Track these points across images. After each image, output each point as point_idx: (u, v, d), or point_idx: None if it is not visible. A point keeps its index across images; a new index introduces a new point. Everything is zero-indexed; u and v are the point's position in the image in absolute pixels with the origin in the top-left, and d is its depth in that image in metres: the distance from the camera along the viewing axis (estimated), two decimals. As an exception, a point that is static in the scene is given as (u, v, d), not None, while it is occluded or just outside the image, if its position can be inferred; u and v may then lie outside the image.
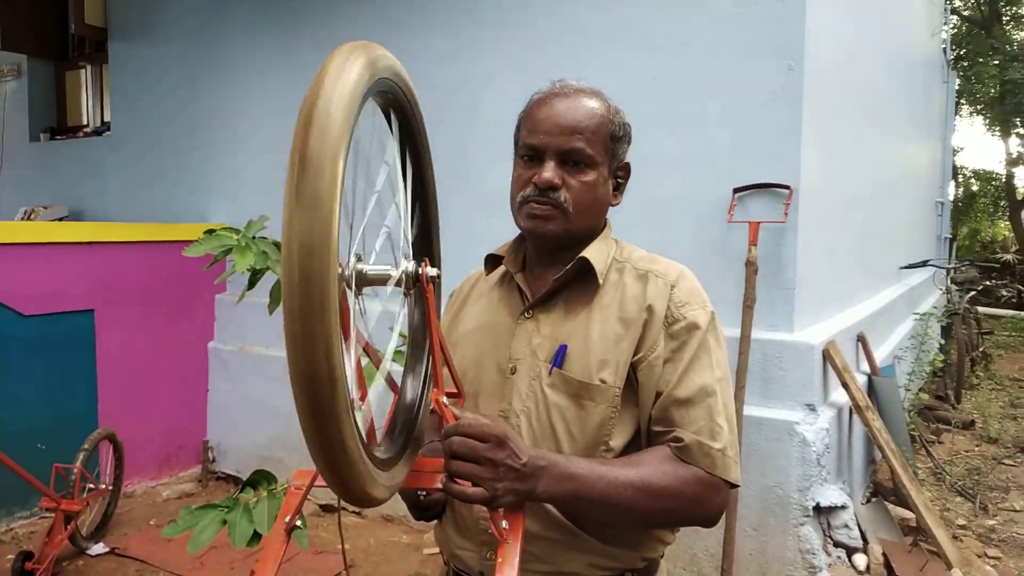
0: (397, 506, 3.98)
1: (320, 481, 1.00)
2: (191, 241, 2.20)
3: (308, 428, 0.76)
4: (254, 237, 2.29)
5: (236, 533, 1.82)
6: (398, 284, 0.96)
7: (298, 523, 1.02)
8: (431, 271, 1.00)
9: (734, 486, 1.14)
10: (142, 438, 4.25)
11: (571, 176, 1.19)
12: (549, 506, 1.15)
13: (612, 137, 1.22)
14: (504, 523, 1.00)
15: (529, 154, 1.21)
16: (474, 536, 1.22)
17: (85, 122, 6.28)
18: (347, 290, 0.88)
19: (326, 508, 4.07)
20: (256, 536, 1.83)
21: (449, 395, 1.13)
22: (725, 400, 1.16)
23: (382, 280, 0.93)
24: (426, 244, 1.21)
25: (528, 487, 1.01)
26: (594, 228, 1.26)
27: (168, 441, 4.52)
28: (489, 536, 1.18)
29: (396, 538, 3.78)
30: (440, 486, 1.02)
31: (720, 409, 1.15)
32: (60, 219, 5.48)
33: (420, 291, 1.03)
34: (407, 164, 1.08)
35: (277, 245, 2.32)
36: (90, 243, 4.12)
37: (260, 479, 1.97)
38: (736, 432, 1.18)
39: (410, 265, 0.99)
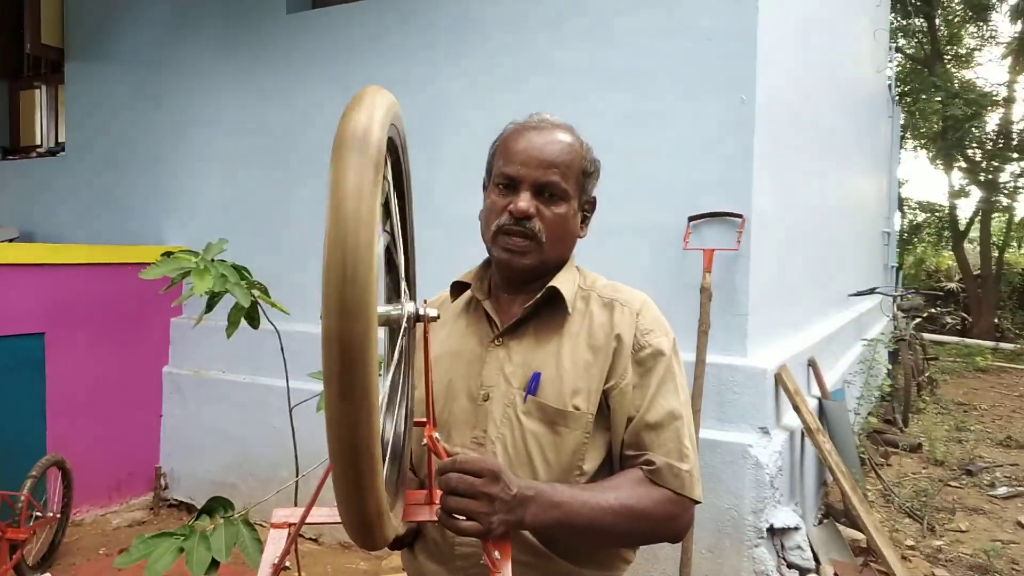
0: (354, 533, 3.95)
1: (311, 518, 1.02)
2: (147, 263, 2.18)
3: (345, 490, 0.77)
4: (212, 260, 2.28)
5: (194, 562, 1.79)
6: (393, 324, 0.98)
7: (287, 564, 1.02)
8: (431, 312, 1.01)
9: (697, 502, 1.20)
10: (92, 464, 4.15)
11: (545, 207, 1.23)
12: (524, 532, 1.17)
13: (584, 172, 1.27)
14: (496, 553, 1.02)
15: (504, 182, 1.24)
16: (449, 563, 1.23)
17: (39, 142, 6.16)
18: None
19: (282, 535, 4.01)
20: (214, 564, 1.80)
21: (417, 423, 1.13)
22: (688, 422, 1.23)
23: (393, 321, 0.95)
24: (408, 282, 1.21)
25: (518, 517, 1.05)
26: (563, 258, 1.30)
27: (119, 467, 4.41)
28: (465, 562, 1.20)
29: (354, 564, 3.73)
30: (435, 519, 1.04)
31: (686, 432, 1.21)
32: (10, 240, 5.35)
33: (408, 330, 1.02)
34: (396, 207, 1.08)
35: (236, 268, 2.31)
36: (41, 265, 4.04)
37: (216, 506, 1.95)
38: (697, 451, 1.24)
39: (411, 306, 1.01)
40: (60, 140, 5.94)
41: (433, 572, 1.25)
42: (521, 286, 1.29)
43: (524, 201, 1.21)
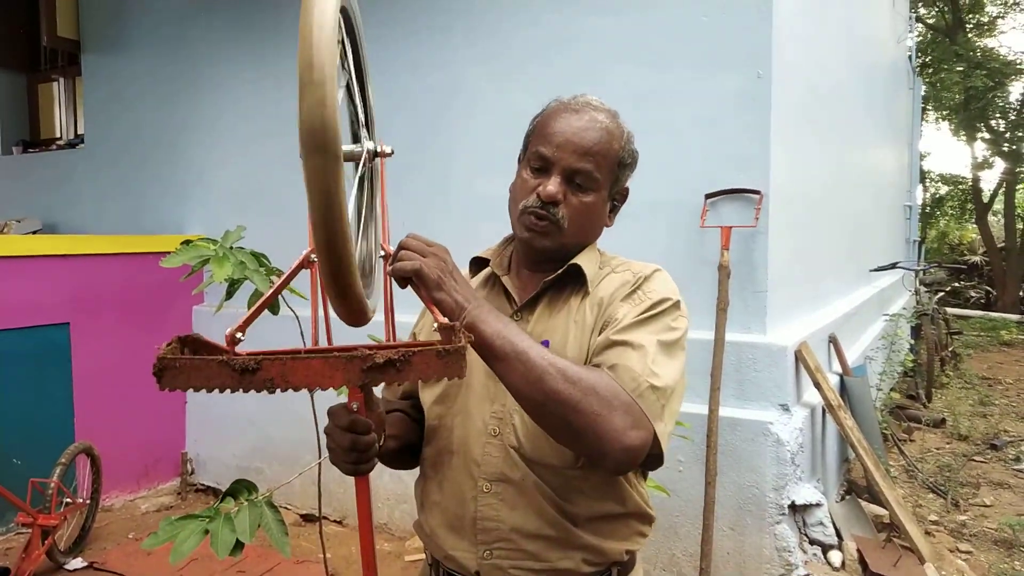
0: (378, 514, 4.00)
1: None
2: (167, 252, 2.21)
3: (326, 252, 0.87)
4: (231, 247, 2.30)
5: (219, 542, 1.82)
6: (357, 158, 1.09)
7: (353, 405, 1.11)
8: (387, 148, 1.13)
9: (657, 452, 1.10)
10: (120, 451, 4.22)
11: (573, 195, 1.22)
12: (545, 504, 1.18)
13: (620, 163, 1.26)
14: (354, 405, 1.08)
15: (538, 163, 1.24)
16: (470, 535, 1.23)
17: (58, 134, 6.23)
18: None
19: (307, 518, 4.07)
20: (239, 545, 1.83)
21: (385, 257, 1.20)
22: (667, 361, 1.14)
23: (356, 156, 1.06)
24: (368, 124, 1.29)
25: (463, 294, 1.06)
26: (585, 242, 1.30)
27: (146, 454, 4.49)
28: (487, 535, 1.21)
29: (378, 546, 3.76)
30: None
31: (665, 363, 1.13)
32: (33, 232, 5.43)
33: (370, 168, 1.17)
34: (351, 55, 1.19)
35: (254, 255, 2.33)
36: (65, 256, 4.10)
37: (240, 489, 1.98)
38: (674, 411, 1.15)
39: (370, 144, 1.11)
40: (79, 132, 6.00)
41: (453, 546, 1.25)
42: (542, 264, 1.29)
43: (553, 186, 1.20)
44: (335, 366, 0.92)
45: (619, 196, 1.33)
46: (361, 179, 1.09)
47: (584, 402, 1.03)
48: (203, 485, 4.62)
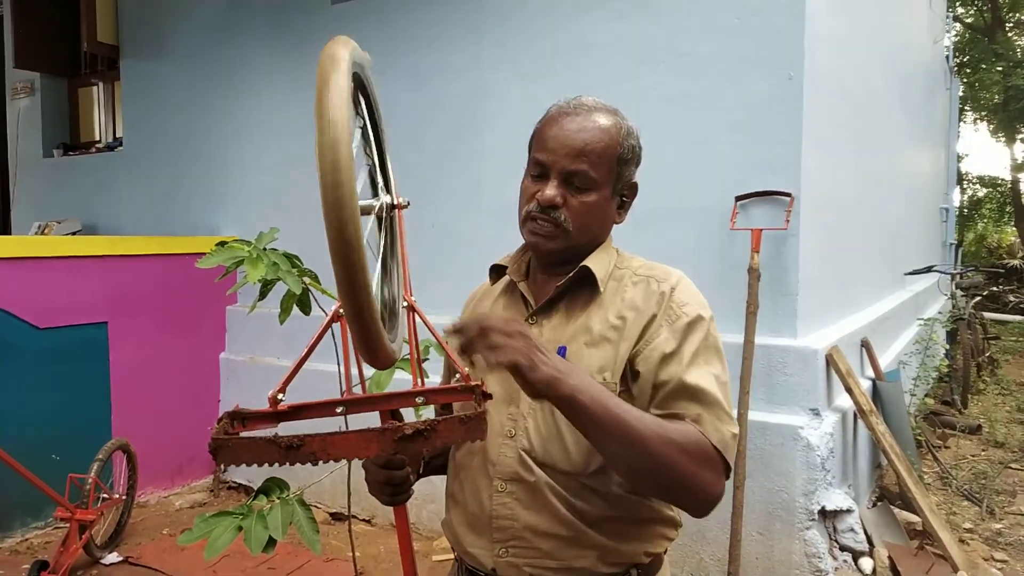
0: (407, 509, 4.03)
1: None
2: (203, 254, 2.25)
3: (348, 299, 0.93)
4: (265, 248, 2.34)
5: (252, 539, 1.85)
6: (378, 212, 1.16)
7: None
8: (402, 200, 1.23)
9: (727, 475, 1.16)
10: (155, 448, 4.31)
11: (573, 196, 1.23)
12: (558, 504, 1.20)
13: (619, 160, 1.26)
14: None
15: (536, 171, 1.26)
16: (487, 533, 1.25)
17: (98, 138, 6.38)
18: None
19: (336, 516, 4.12)
20: (271, 542, 1.87)
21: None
22: (729, 393, 1.20)
23: (370, 210, 1.13)
24: (384, 179, 1.36)
25: (559, 369, 1.01)
26: (595, 242, 1.30)
27: (180, 451, 4.57)
28: (502, 533, 1.23)
29: (406, 545, 3.81)
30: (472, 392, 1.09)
31: (728, 400, 1.18)
32: (73, 233, 5.56)
33: (390, 218, 1.24)
34: (369, 121, 1.28)
35: (288, 256, 2.37)
36: (103, 256, 4.19)
37: (273, 486, 2.01)
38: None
39: (387, 198, 1.20)
40: (118, 135, 6.13)
41: (471, 543, 1.28)
42: (556, 267, 1.30)
43: (551, 190, 1.22)
44: (370, 439, 1.03)
45: (627, 191, 1.32)
46: (381, 227, 1.17)
47: (679, 462, 1.08)
48: (235, 483, 4.69)
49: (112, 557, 3.62)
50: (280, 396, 1.14)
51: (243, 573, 3.49)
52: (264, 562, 3.54)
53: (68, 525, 3.32)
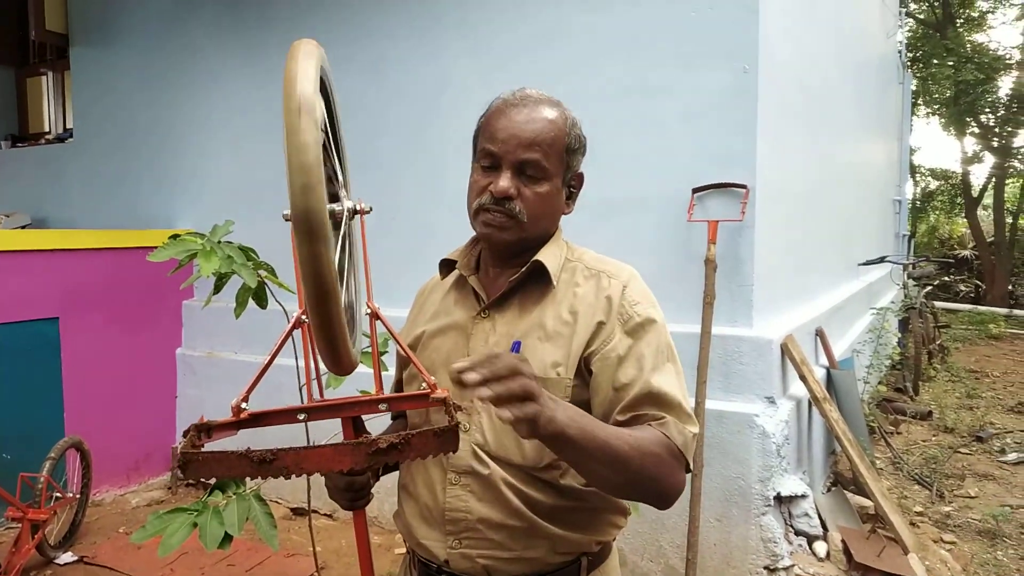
0: (367, 508, 4.01)
1: None
2: (156, 247, 2.21)
3: (317, 311, 0.96)
4: (219, 241, 2.31)
5: (207, 536, 1.84)
6: (337, 217, 1.13)
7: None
8: (365, 205, 1.20)
9: (688, 471, 1.20)
10: (110, 445, 4.23)
11: (526, 187, 1.24)
12: (511, 496, 1.20)
13: (568, 150, 1.26)
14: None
15: (487, 162, 1.25)
16: (440, 525, 1.26)
17: (47, 129, 6.22)
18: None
19: (297, 511, 4.09)
20: (227, 538, 1.85)
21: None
22: (686, 394, 1.23)
23: (336, 216, 1.10)
24: (345, 185, 1.38)
25: (551, 410, 0.98)
26: (546, 233, 1.31)
27: (136, 448, 4.49)
28: (455, 525, 1.24)
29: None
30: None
31: (687, 399, 1.21)
32: (23, 227, 5.41)
33: (347, 221, 1.21)
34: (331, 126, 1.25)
35: (242, 249, 2.34)
36: (54, 251, 4.09)
37: (228, 483, 1.99)
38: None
39: (349, 202, 1.17)
40: (68, 126, 5.99)
41: (425, 535, 1.28)
42: (507, 260, 1.31)
43: (505, 181, 1.22)
44: (344, 452, 1.02)
45: (574, 182, 1.33)
46: (341, 236, 1.14)
47: (657, 474, 1.12)
48: (193, 480, 4.62)
49: (67, 557, 3.55)
50: (243, 405, 1.15)
51: (201, 571, 3.45)
52: (223, 559, 3.50)
53: (20, 525, 3.24)
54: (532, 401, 0.94)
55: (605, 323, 1.22)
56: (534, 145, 1.22)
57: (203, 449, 1.06)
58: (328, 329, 0.97)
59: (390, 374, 1.54)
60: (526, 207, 1.23)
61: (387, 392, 1.53)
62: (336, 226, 1.12)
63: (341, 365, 1.03)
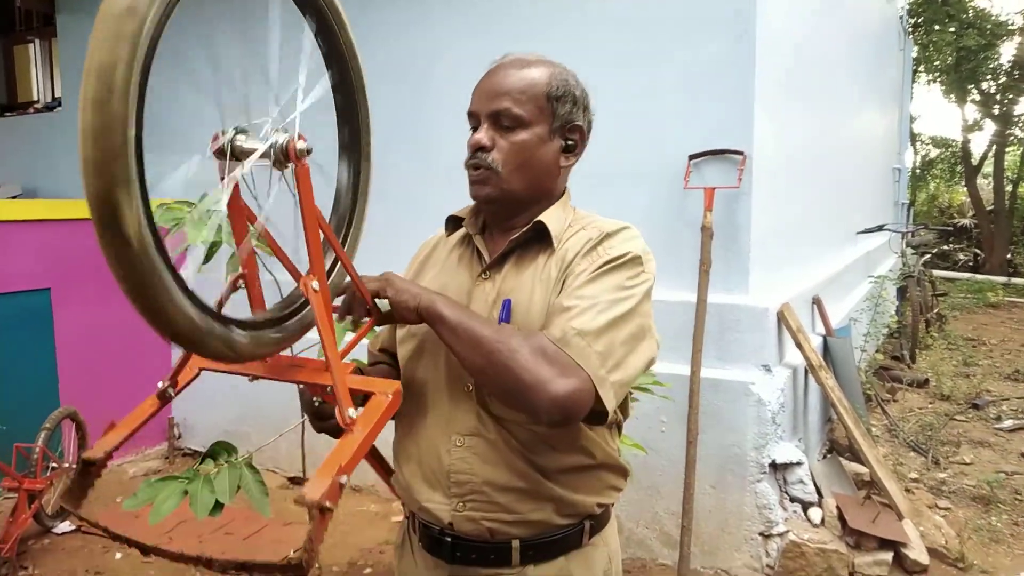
0: (365, 476, 4.01)
1: None
2: (145, 215, 2.18)
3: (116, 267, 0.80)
4: (208, 210, 2.28)
5: (197, 503, 1.83)
6: (267, 158, 0.91)
7: (169, 389, 1.15)
8: (301, 144, 0.91)
9: (600, 408, 1.09)
10: (106, 416, 4.18)
11: (502, 137, 1.23)
12: (516, 457, 1.20)
13: (549, 97, 1.23)
14: (352, 412, 1.00)
15: (471, 124, 1.27)
16: (444, 488, 1.25)
17: (35, 98, 6.14)
18: (224, 161, 0.92)
19: (294, 480, 4.10)
20: (218, 506, 1.84)
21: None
22: (623, 330, 1.13)
23: (249, 153, 0.90)
24: (350, 109, 1.22)
25: (409, 289, 1.15)
26: (538, 188, 1.27)
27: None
28: (460, 487, 1.23)
29: (364, 507, 3.82)
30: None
31: (599, 314, 1.11)
32: (13, 197, 5.36)
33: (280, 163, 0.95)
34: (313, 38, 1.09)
35: (233, 217, 2.31)
36: (44, 220, 4.05)
37: (220, 450, 1.98)
38: (626, 368, 1.13)
39: (280, 137, 0.91)
40: (57, 95, 5.91)
41: (428, 498, 1.27)
42: (510, 221, 1.29)
43: (479, 133, 1.23)
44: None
45: (571, 133, 1.28)
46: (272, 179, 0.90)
47: (512, 358, 1.07)
48: (190, 450, 4.64)
49: (64, 526, 3.56)
50: (170, 392, 1.13)
51: (199, 539, 3.46)
52: (221, 527, 3.51)
53: (16, 495, 3.25)
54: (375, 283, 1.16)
55: (577, 262, 1.19)
56: (504, 94, 1.22)
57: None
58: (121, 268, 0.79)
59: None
60: (502, 157, 1.22)
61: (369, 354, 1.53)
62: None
63: (158, 326, 0.85)
